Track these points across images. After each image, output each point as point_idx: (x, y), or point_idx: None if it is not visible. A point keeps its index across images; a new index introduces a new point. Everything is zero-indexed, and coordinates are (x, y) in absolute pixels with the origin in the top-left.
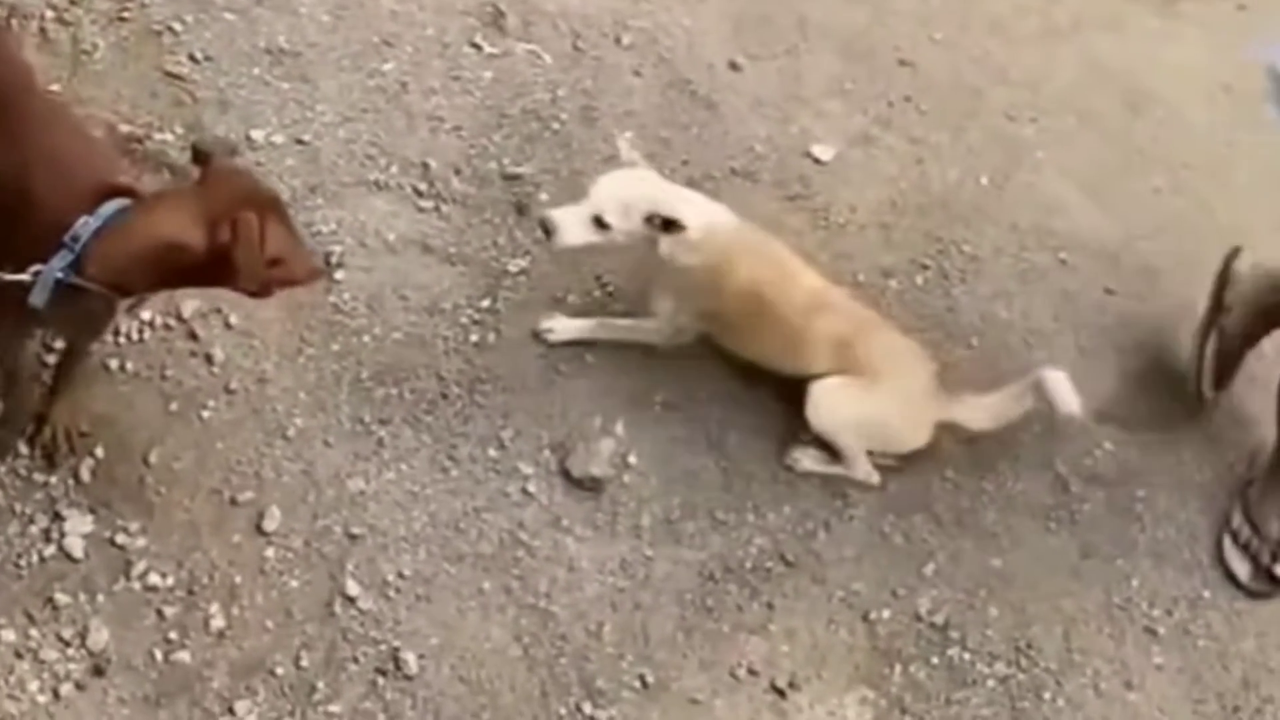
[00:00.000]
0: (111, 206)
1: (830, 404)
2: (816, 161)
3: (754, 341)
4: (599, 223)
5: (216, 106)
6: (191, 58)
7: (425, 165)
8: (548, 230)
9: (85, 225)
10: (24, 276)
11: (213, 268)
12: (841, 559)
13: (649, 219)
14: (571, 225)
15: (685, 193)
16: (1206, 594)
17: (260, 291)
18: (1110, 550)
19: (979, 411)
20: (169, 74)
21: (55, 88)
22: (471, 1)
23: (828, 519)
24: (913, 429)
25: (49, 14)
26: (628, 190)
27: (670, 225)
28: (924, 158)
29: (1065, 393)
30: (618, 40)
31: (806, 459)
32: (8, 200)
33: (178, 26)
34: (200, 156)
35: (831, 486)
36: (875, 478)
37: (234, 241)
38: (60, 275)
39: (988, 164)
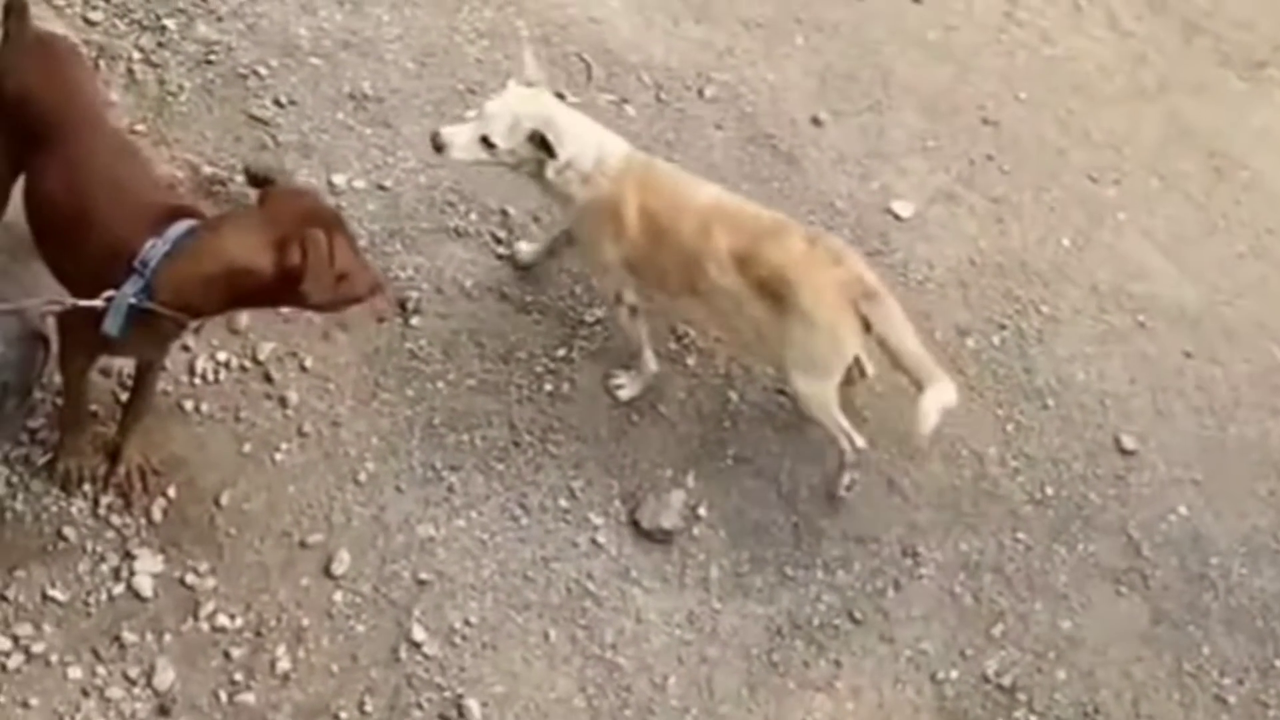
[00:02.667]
0: (178, 229)
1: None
2: (896, 218)
3: (666, 276)
4: (486, 142)
5: (299, 151)
6: (276, 102)
7: (504, 213)
8: (438, 146)
9: (154, 249)
10: (97, 303)
11: (281, 287)
12: (910, 618)
13: (531, 138)
14: (461, 142)
15: (577, 116)
16: (1279, 663)
17: (327, 307)
18: (1182, 616)
19: (895, 330)
20: (253, 117)
21: (140, 128)
22: (556, 51)
23: (897, 577)
24: (838, 333)
25: (136, 55)
26: (514, 109)
27: (550, 148)
28: (1005, 217)
29: (932, 411)
30: (700, 93)
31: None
32: (69, 225)
33: (263, 71)
34: (258, 179)
35: (903, 543)
36: (859, 440)
37: (304, 260)
38: (133, 300)
39: (1069, 224)
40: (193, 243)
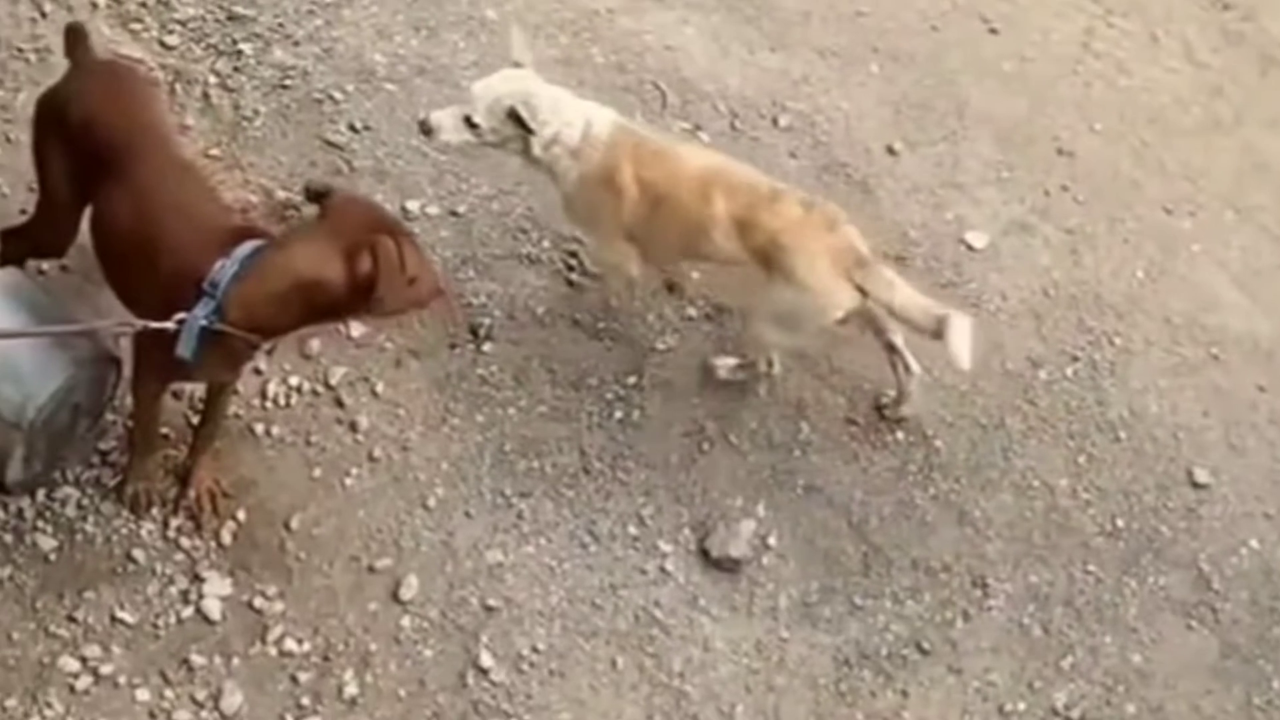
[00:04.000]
0: (245, 249)
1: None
2: (970, 248)
3: (667, 242)
4: (469, 122)
5: (374, 176)
6: (351, 127)
7: (577, 240)
8: (426, 130)
9: (222, 270)
10: (169, 325)
11: (354, 297)
12: (979, 649)
13: (510, 115)
14: (447, 124)
15: (560, 93)
16: None
17: (397, 313)
18: (1252, 650)
19: (891, 290)
20: (328, 142)
21: (215, 153)
22: (632, 78)
23: (967, 608)
24: (828, 300)
25: (212, 80)
26: (495, 89)
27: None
28: (1079, 248)
29: (962, 344)
30: (775, 122)
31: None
32: (136, 251)
33: (338, 95)
34: (316, 194)
35: (972, 574)
36: (777, 367)
37: (376, 268)
38: (204, 323)
39: (1143, 256)
40: (260, 261)
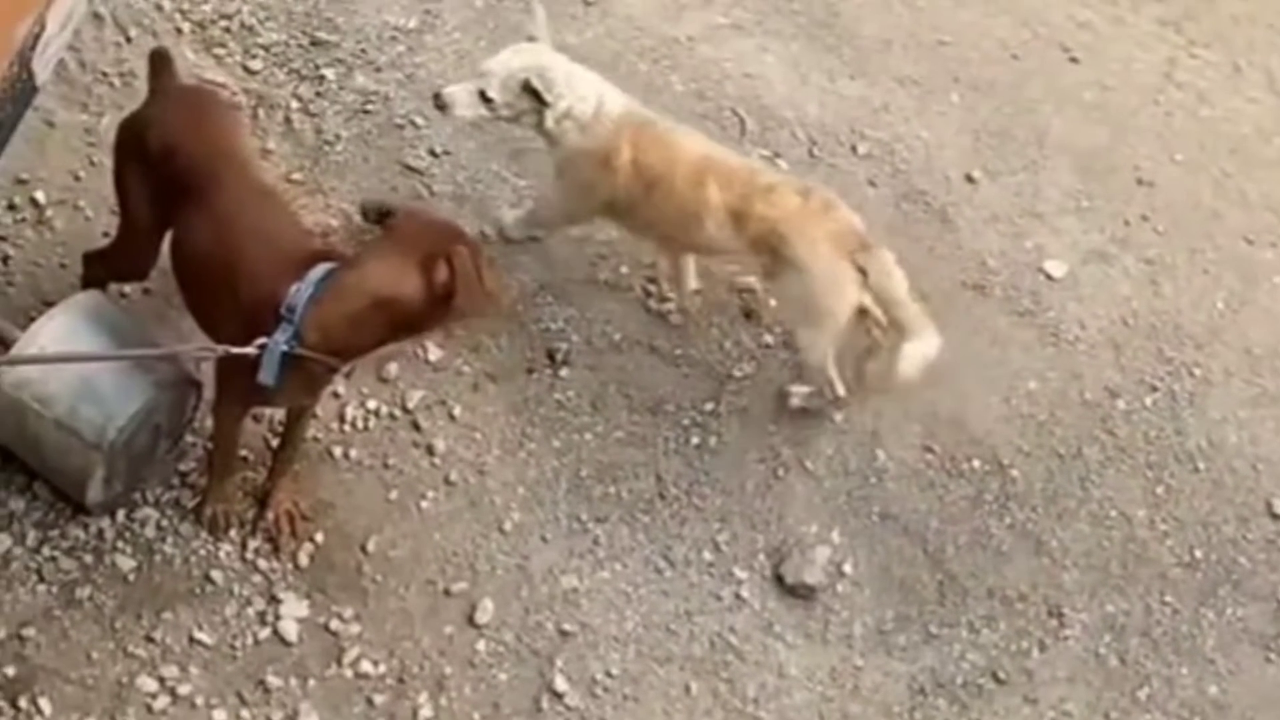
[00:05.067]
0: (319, 271)
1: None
2: (1049, 278)
3: (659, 226)
4: (484, 97)
5: (454, 200)
6: (431, 152)
7: (655, 266)
8: (440, 106)
9: (298, 294)
10: (249, 350)
11: (432, 310)
12: (1055, 679)
13: (525, 88)
14: (462, 100)
15: (576, 68)
16: None
17: (474, 321)
18: None
19: (889, 277)
20: (408, 167)
21: (296, 177)
22: (711, 106)
23: (1043, 638)
24: (837, 283)
25: (294, 104)
26: (509, 64)
27: (542, 99)
28: (1158, 278)
29: (915, 359)
30: (854, 149)
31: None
32: (215, 276)
33: (419, 120)
34: (377, 214)
35: (1049, 604)
36: (840, 390)
37: (454, 277)
38: (285, 348)
39: (1223, 286)
40: (335, 283)
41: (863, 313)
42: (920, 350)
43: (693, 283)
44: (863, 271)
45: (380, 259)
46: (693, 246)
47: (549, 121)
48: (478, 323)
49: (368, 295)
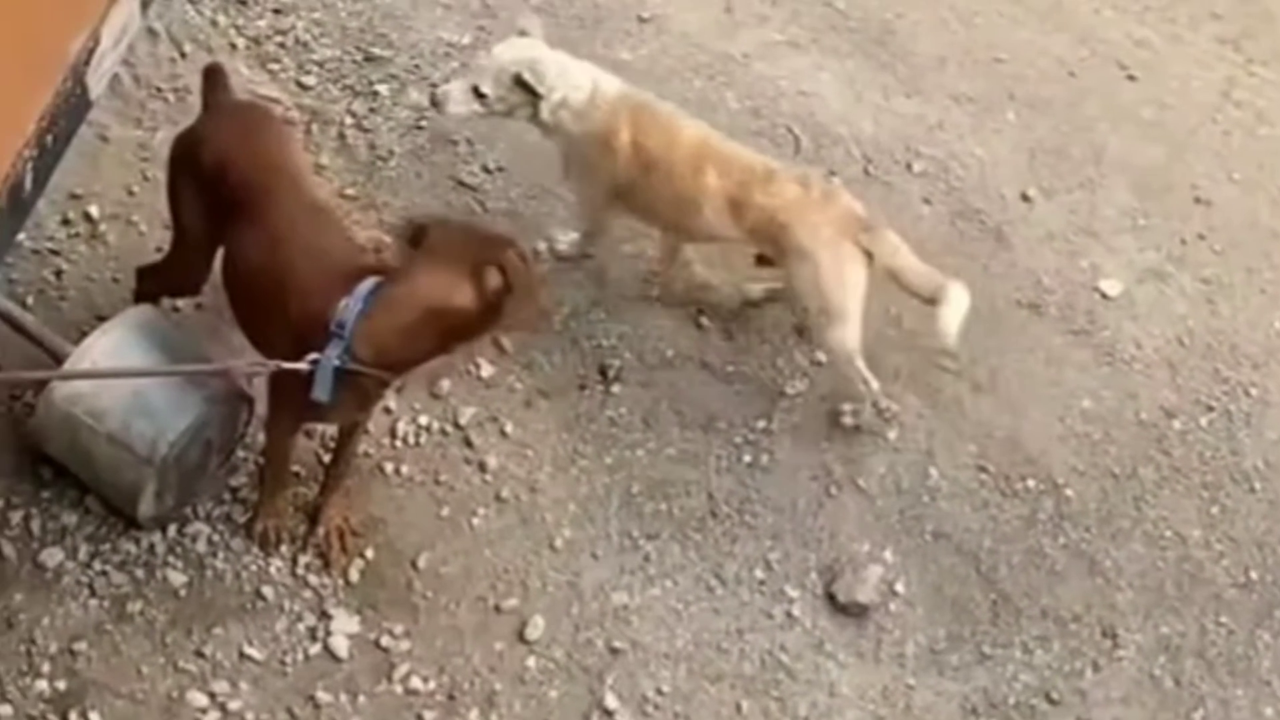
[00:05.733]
0: (367, 286)
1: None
2: (1104, 296)
3: (658, 210)
4: (477, 93)
5: (507, 216)
6: (485, 168)
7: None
8: (435, 103)
9: (348, 310)
10: (302, 366)
11: (482, 319)
12: (1108, 700)
13: (517, 82)
14: (456, 96)
15: (568, 59)
16: None
17: (525, 326)
18: None
19: (896, 255)
20: (461, 183)
21: (350, 192)
22: (766, 123)
23: (1096, 658)
24: (843, 268)
25: (348, 120)
26: (500, 58)
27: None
28: (1215, 297)
29: (955, 315)
30: (909, 167)
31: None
32: (265, 290)
33: (472, 136)
34: (416, 229)
35: (1103, 624)
36: (875, 385)
37: (507, 282)
38: (337, 363)
39: None
40: (385, 296)
41: None
42: (956, 308)
43: (699, 273)
44: (868, 254)
45: (429, 270)
46: (692, 232)
47: (544, 113)
48: (524, 330)
49: (418, 307)
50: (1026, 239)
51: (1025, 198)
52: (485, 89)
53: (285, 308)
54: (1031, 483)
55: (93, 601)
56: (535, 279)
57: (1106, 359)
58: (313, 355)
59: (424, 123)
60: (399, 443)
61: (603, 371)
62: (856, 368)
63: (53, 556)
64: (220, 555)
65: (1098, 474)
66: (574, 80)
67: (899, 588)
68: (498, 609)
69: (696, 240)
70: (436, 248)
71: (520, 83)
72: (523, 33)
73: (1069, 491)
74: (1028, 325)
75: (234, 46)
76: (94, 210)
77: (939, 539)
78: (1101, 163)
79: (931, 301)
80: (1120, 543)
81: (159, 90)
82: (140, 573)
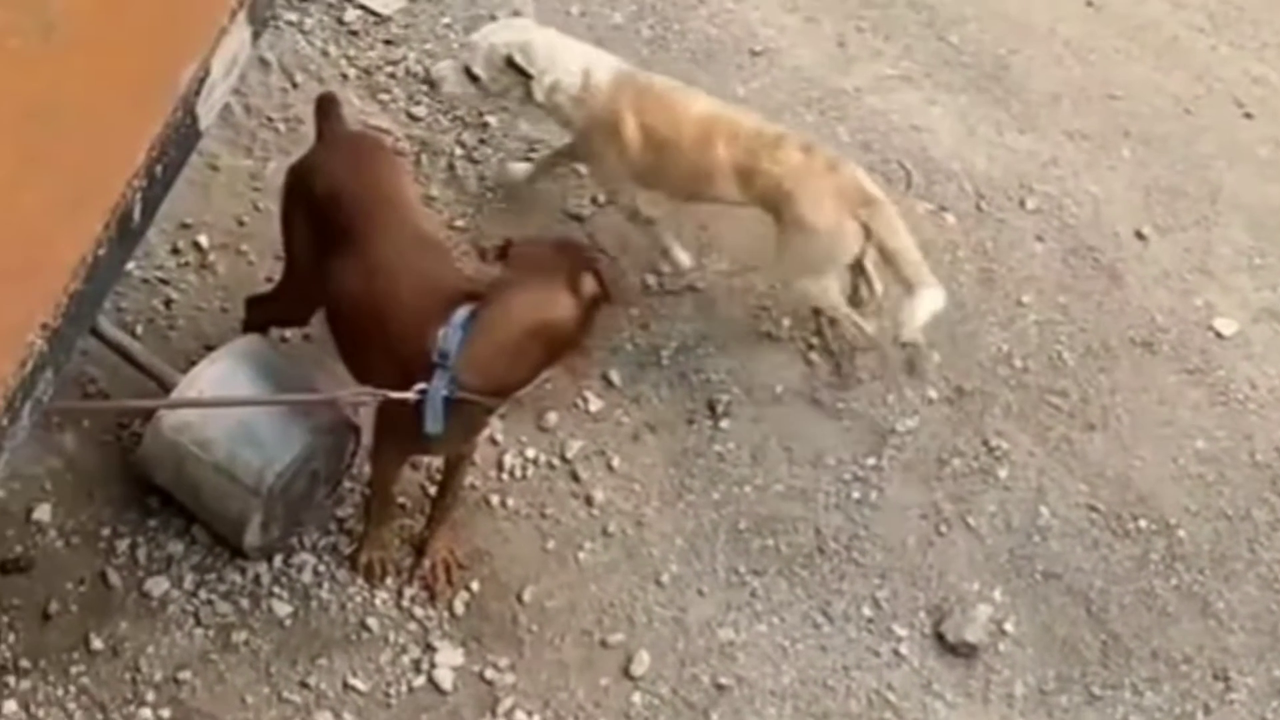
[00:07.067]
0: (463, 314)
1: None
2: (1219, 336)
3: (673, 184)
4: (469, 74)
5: (616, 249)
6: (593, 200)
7: (817, 312)
8: (430, 84)
9: (447, 339)
10: (410, 395)
11: (581, 327)
12: None
13: (508, 63)
14: (450, 78)
15: (560, 39)
16: None
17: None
18: None
19: (894, 234)
20: (570, 215)
21: (459, 224)
22: (877, 157)
23: (1208, 701)
24: (837, 239)
25: (458, 151)
26: (491, 38)
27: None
28: None
29: (921, 313)
30: (1022, 204)
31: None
32: (367, 323)
33: (582, 169)
34: (497, 248)
35: (1214, 667)
36: (868, 327)
37: (603, 288)
38: (446, 394)
39: None
40: (483, 320)
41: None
42: (928, 303)
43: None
44: (866, 227)
45: (522, 288)
46: (706, 200)
47: (537, 95)
48: (607, 337)
49: (518, 326)
50: (1141, 277)
51: (1140, 235)
52: (477, 70)
53: (386, 338)
54: (1143, 523)
55: (198, 631)
56: (621, 281)
57: (1221, 399)
58: (420, 385)
59: (534, 154)
60: (505, 475)
61: (711, 406)
62: (844, 314)
63: (159, 585)
64: (325, 586)
65: (1211, 515)
66: (564, 63)
67: (1008, 627)
68: (603, 644)
69: (707, 204)
70: (523, 264)
71: (511, 63)
72: (516, 13)
73: (1181, 532)
74: (1141, 364)
75: (345, 77)
76: (204, 240)
77: (1049, 579)
78: (1217, 201)
79: (906, 288)
80: (1233, 584)
81: (270, 120)
82: (245, 602)
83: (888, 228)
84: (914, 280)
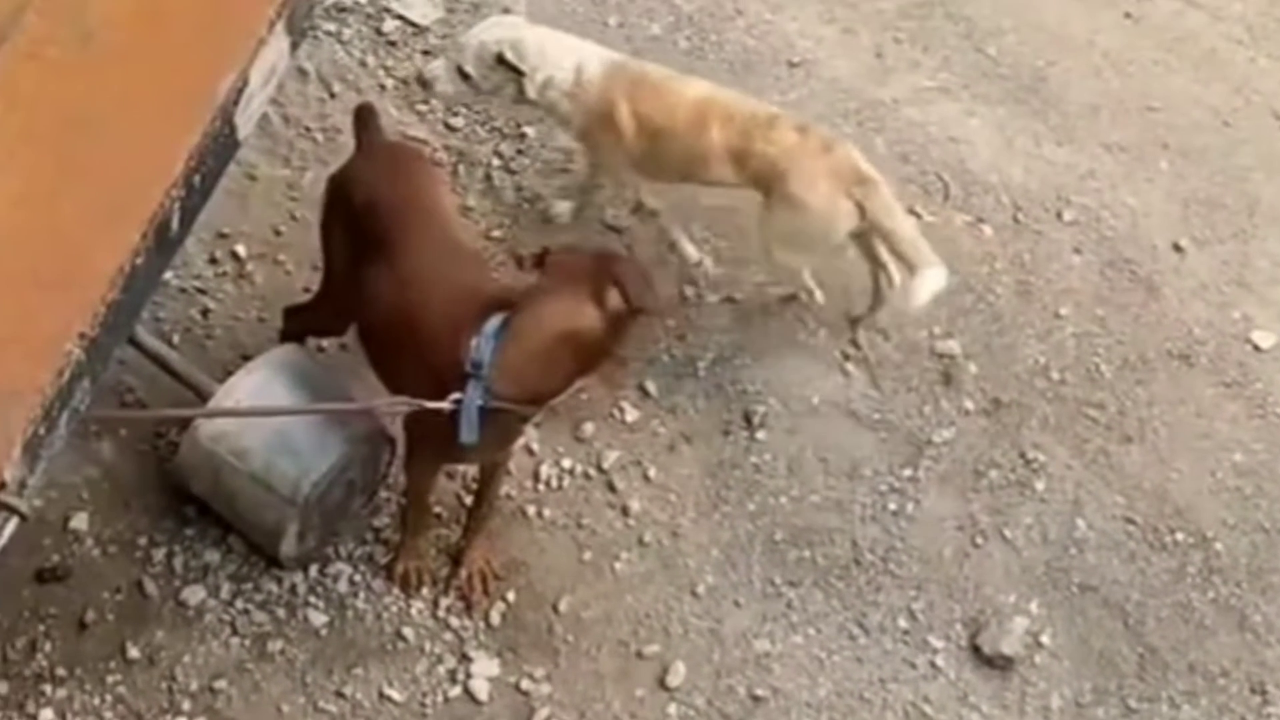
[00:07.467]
0: (494, 323)
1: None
2: (1257, 349)
3: (670, 171)
4: (461, 73)
5: (654, 260)
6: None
7: (854, 321)
8: (423, 83)
9: (480, 349)
10: (445, 405)
11: (611, 337)
12: None
13: (499, 61)
14: (442, 76)
15: (551, 35)
16: None
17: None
18: None
19: (890, 214)
20: (609, 226)
21: (496, 234)
22: (914, 169)
23: (1245, 715)
24: (829, 218)
25: (495, 162)
26: (482, 37)
27: (516, 68)
28: None
29: (923, 292)
30: (1059, 216)
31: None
32: (399, 333)
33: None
34: (534, 256)
35: (1251, 681)
36: (820, 297)
37: (627, 300)
38: (481, 403)
39: None
40: (514, 329)
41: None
42: (930, 283)
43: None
44: (862, 209)
45: (553, 297)
46: (701, 183)
47: (530, 92)
48: (647, 344)
49: (548, 335)
50: (1178, 290)
51: (1177, 248)
52: (468, 68)
53: (419, 347)
54: (1180, 536)
55: (234, 640)
56: (655, 292)
57: (1258, 411)
58: (455, 395)
59: (571, 165)
60: (541, 486)
61: (747, 417)
62: (802, 280)
63: (195, 594)
64: (362, 596)
65: (1248, 528)
66: (556, 59)
67: (1044, 640)
68: (639, 654)
69: (704, 186)
70: (555, 273)
71: (502, 61)
72: (506, 10)
73: (1219, 545)
74: (1178, 376)
75: (383, 87)
76: (241, 249)
77: (1086, 591)
78: (1255, 213)
79: (907, 267)
80: (1271, 598)
81: (308, 130)
82: (281, 612)
83: (883, 208)
84: (914, 260)
